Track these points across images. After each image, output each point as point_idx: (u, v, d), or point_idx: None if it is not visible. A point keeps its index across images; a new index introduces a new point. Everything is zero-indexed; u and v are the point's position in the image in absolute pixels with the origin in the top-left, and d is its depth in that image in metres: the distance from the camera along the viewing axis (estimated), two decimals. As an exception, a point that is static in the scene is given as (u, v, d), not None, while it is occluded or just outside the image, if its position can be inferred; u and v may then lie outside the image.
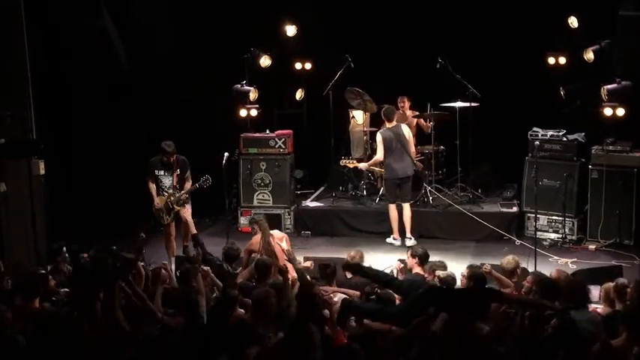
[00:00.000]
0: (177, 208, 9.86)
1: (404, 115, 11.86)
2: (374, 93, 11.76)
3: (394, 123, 10.77)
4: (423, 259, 8.20)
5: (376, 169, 11.25)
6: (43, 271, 7.94)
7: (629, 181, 10.40)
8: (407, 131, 10.77)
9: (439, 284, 7.58)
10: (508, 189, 11.85)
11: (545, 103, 11.44)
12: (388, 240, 10.79)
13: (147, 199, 9.96)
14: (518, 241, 10.43)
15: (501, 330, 6.33)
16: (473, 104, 11.36)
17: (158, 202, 9.87)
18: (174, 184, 9.86)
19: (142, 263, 8.06)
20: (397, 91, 12.01)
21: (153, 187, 9.89)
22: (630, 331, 5.86)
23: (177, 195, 9.82)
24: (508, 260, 8.06)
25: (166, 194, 9.87)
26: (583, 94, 11.03)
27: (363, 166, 11.20)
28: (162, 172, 9.88)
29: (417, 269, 8.17)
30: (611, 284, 7.26)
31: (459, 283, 7.74)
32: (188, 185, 9.90)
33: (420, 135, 12.03)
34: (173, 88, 11.76)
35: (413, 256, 8.25)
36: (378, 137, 10.79)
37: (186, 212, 9.91)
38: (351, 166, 11.41)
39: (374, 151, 11.39)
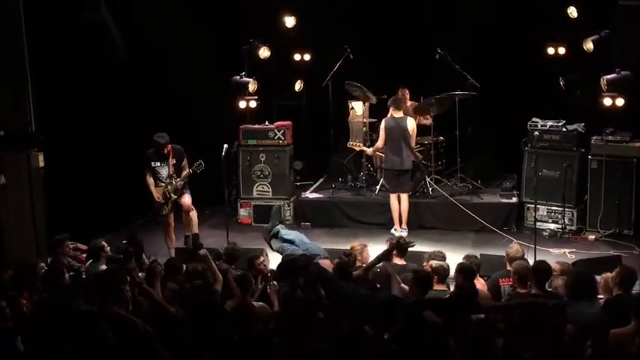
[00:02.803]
0: (174, 197, 9.87)
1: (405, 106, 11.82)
2: (373, 84, 11.74)
3: (401, 114, 10.73)
4: (400, 251, 8.31)
5: (379, 154, 11.15)
6: (43, 264, 7.96)
7: (628, 171, 10.40)
8: (411, 126, 10.69)
9: (431, 274, 7.52)
10: (507, 179, 11.85)
11: (544, 93, 11.41)
12: (392, 231, 10.75)
13: (146, 191, 9.96)
14: (507, 237, 10.21)
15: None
16: (472, 94, 11.36)
17: (158, 195, 9.87)
18: (172, 173, 9.87)
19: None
20: (396, 82, 11.97)
21: (151, 180, 9.89)
22: (638, 319, 5.86)
23: (173, 183, 9.83)
24: (517, 249, 7.98)
25: (163, 184, 9.88)
26: (582, 84, 11.00)
27: (369, 150, 11.20)
28: (158, 164, 9.88)
29: (395, 260, 8.25)
30: (609, 274, 7.24)
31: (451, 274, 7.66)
32: (184, 174, 9.91)
33: (419, 126, 11.99)
34: (172, 79, 11.73)
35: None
36: (382, 124, 10.80)
37: (186, 200, 9.92)
38: (358, 149, 11.39)
39: (373, 142, 11.39)
